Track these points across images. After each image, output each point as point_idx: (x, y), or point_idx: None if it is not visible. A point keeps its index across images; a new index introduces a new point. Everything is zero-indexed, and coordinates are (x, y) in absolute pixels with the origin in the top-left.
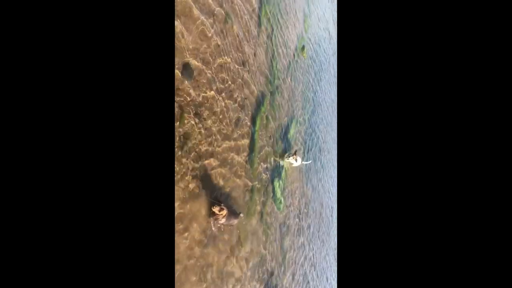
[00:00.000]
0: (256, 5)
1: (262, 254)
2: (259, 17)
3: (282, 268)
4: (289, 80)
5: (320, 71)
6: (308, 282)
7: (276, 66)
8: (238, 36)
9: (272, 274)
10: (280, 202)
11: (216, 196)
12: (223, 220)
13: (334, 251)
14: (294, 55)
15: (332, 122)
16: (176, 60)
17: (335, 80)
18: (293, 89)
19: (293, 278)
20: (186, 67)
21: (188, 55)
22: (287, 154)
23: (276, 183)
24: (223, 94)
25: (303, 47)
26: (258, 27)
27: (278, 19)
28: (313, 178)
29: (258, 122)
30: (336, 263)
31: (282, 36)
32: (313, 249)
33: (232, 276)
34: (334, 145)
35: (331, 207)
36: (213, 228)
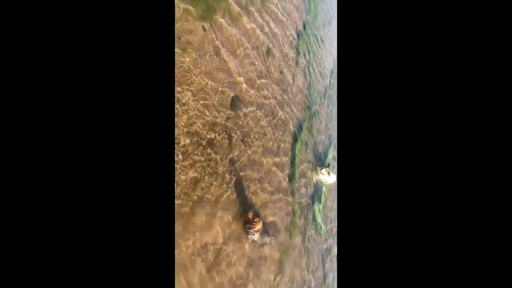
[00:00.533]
0: (295, 35)
1: (305, 278)
2: (297, 47)
3: None
4: (326, 104)
5: None
6: None
7: (313, 93)
8: (279, 66)
9: None
10: (321, 228)
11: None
12: (256, 236)
13: None
14: (330, 80)
15: None
16: (227, 91)
17: None
18: (330, 112)
19: None
20: (234, 98)
21: (237, 86)
22: (320, 167)
23: (316, 207)
24: (268, 122)
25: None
26: (297, 56)
27: (315, 47)
28: None
29: (298, 147)
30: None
31: (319, 63)
32: None
33: None
34: None
35: None
36: (246, 240)
